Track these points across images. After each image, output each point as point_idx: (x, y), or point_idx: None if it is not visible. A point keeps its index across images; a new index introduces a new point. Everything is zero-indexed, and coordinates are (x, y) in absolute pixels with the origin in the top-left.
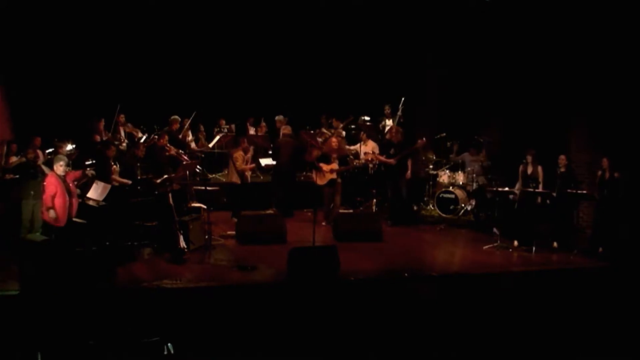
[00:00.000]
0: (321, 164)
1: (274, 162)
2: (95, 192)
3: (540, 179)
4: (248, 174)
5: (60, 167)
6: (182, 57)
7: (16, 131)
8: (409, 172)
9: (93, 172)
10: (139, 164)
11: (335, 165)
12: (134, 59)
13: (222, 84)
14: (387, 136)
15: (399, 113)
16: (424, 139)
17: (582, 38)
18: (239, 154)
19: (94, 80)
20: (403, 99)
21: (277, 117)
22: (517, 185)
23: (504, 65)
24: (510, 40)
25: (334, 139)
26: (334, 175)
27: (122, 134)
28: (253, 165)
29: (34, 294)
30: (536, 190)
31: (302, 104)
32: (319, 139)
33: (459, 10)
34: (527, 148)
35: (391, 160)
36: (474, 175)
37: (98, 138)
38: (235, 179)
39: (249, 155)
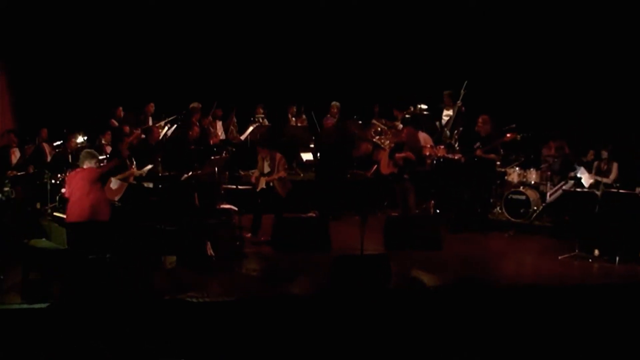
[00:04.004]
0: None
1: (317, 158)
2: (109, 191)
3: (613, 177)
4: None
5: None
6: (214, 38)
7: (20, 121)
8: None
9: None
10: (159, 159)
11: (400, 160)
12: (157, 41)
13: (259, 70)
14: (476, 128)
15: (459, 102)
16: (515, 131)
17: None
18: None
19: (110, 65)
20: (466, 82)
21: (334, 103)
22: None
23: (579, 53)
24: (587, 27)
25: (406, 129)
26: (396, 170)
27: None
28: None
29: (39, 307)
30: (620, 190)
31: (351, 92)
32: (373, 131)
33: None
34: (605, 143)
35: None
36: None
37: (116, 123)
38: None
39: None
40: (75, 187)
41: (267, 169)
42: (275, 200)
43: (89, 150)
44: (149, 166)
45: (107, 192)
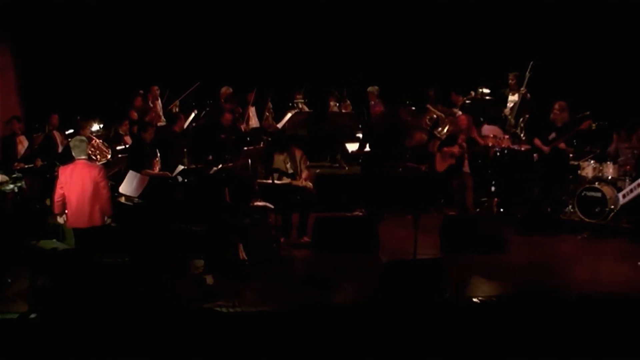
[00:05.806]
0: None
1: (366, 149)
2: (129, 186)
3: None
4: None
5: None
6: (247, 17)
7: (28, 106)
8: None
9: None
10: (185, 150)
11: (456, 149)
12: (185, 18)
13: (298, 51)
14: (551, 116)
15: (523, 89)
16: (590, 120)
17: None
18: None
19: (130, 43)
20: (531, 63)
21: (369, 88)
22: None
23: None
24: None
25: (463, 116)
26: (453, 161)
27: (159, 110)
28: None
29: (48, 316)
30: None
31: (402, 74)
32: (428, 118)
33: None
34: None
35: (546, 148)
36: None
37: (135, 115)
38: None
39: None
40: (74, 187)
41: (289, 170)
42: (307, 198)
43: (80, 137)
44: (180, 167)
45: (127, 187)
